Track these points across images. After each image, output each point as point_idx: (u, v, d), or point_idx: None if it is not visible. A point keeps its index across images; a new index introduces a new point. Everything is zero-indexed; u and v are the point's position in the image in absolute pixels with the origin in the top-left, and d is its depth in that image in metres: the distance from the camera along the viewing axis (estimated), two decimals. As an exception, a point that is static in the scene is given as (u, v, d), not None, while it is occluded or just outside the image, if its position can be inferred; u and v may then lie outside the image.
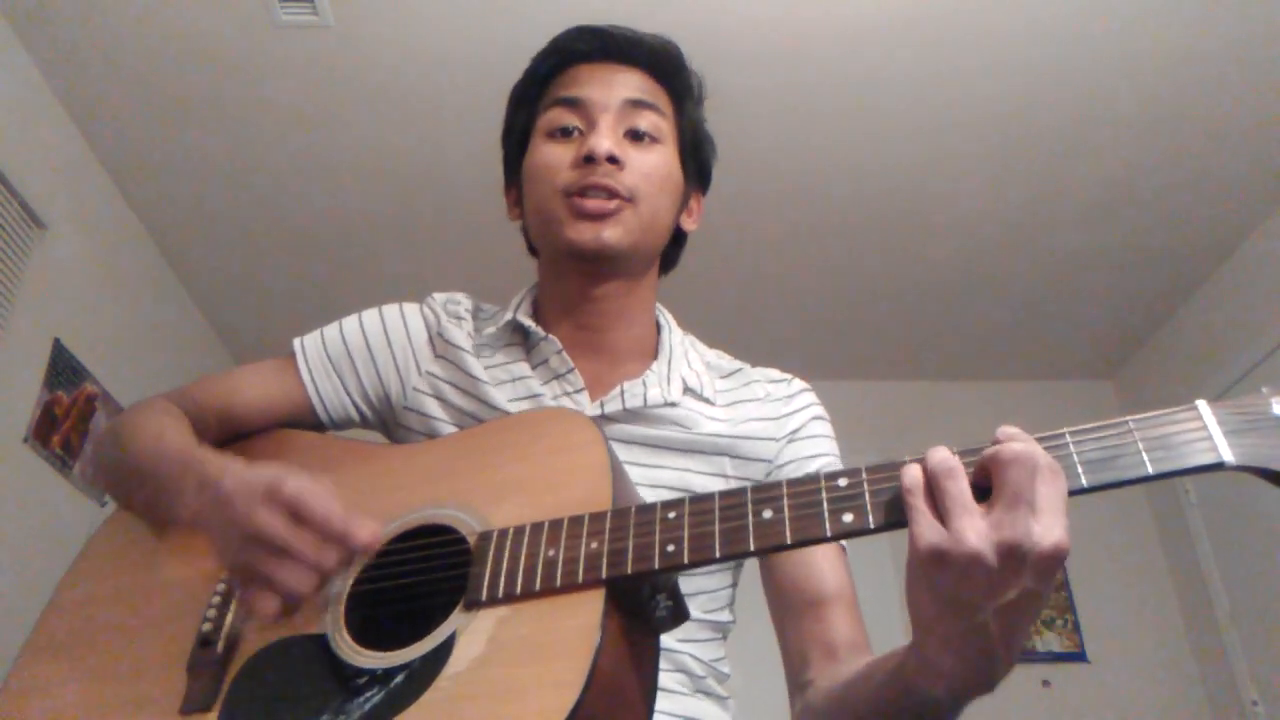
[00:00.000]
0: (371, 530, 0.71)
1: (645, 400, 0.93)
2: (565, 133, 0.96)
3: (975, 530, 0.57)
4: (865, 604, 0.92)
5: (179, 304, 3.59)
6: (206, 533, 0.75)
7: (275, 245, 3.38)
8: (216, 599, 0.78)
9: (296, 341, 1.02)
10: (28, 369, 2.65)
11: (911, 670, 0.65)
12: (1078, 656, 3.61)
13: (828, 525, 0.63)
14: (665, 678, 0.83)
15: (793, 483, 0.66)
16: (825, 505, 0.64)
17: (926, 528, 0.59)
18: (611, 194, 0.92)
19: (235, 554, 0.71)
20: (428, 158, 2.99)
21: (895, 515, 0.62)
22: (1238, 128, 2.85)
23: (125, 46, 2.59)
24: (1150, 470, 0.60)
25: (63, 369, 2.78)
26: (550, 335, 0.97)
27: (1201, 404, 0.61)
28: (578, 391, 0.94)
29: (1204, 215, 3.21)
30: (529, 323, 0.98)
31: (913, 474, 0.61)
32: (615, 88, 0.97)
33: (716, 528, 0.65)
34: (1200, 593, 3.54)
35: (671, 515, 0.67)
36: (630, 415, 0.93)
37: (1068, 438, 0.62)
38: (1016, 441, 0.60)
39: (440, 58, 2.64)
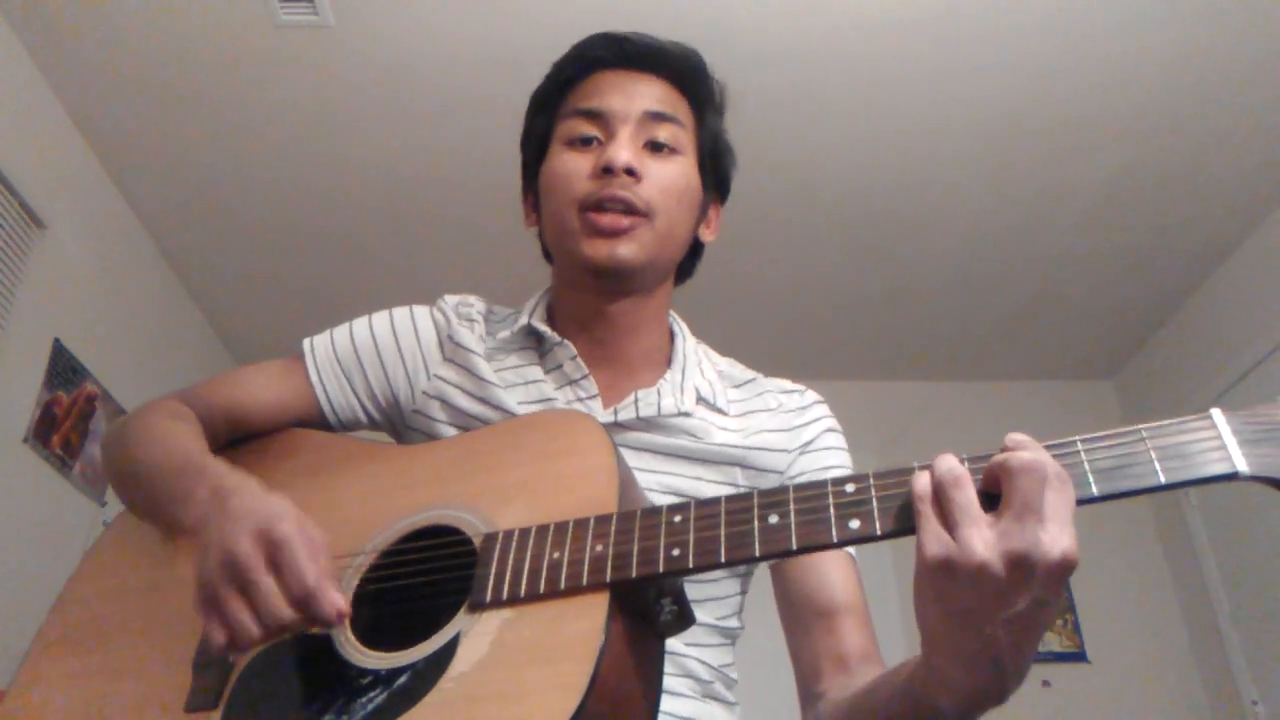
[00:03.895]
0: (339, 605, 0.67)
1: (659, 409, 0.92)
2: (584, 142, 0.95)
3: (983, 540, 0.57)
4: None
5: (179, 304, 3.59)
6: (203, 539, 0.73)
7: (275, 245, 3.38)
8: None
9: (305, 342, 1.01)
10: (28, 369, 2.64)
11: (921, 683, 0.65)
12: (1078, 656, 3.60)
13: (834, 531, 0.63)
14: (672, 681, 0.84)
15: (800, 488, 0.65)
16: (832, 511, 0.63)
17: (933, 538, 0.58)
18: (628, 208, 0.92)
19: (208, 570, 0.69)
20: (428, 158, 2.98)
21: (903, 522, 0.61)
22: (1237, 128, 2.85)
23: (125, 46, 2.59)
24: (1163, 480, 0.58)
25: (63, 369, 2.78)
26: (565, 341, 0.96)
27: (1215, 412, 0.60)
28: (591, 398, 0.94)
29: (1204, 215, 3.21)
30: (543, 327, 0.98)
31: (923, 482, 0.60)
32: (635, 98, 0.96)
33: (722, 532, 0.65)
34: (1200, 593, 3.53)
35: (677, 519, 0.66)
36: (643, 423, 0.92)
37: (1079, 445, 0.61)
38: (1025, 450, 0.59)
39: (440, 58, 2.64)
